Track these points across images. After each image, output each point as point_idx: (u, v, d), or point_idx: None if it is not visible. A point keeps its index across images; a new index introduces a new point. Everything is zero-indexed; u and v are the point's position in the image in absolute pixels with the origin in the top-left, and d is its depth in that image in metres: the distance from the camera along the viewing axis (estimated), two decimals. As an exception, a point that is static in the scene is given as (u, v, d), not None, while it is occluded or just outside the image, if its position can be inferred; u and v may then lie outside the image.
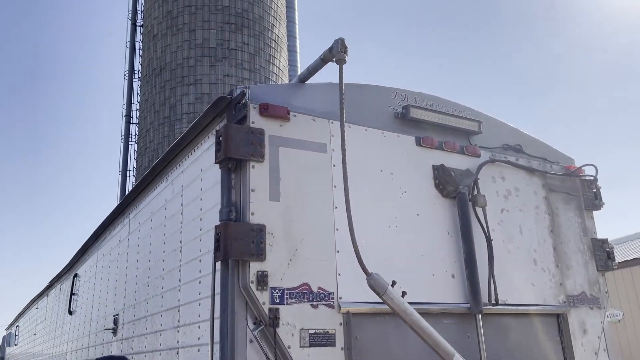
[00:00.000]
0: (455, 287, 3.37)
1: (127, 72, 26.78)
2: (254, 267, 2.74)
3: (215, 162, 2.95)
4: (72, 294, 7.17)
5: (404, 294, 2.81)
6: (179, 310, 3.48)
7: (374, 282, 2.75)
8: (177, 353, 3.44)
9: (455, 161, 3.68)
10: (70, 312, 7.12)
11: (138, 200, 4.68)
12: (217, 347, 2.75)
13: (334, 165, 3.16)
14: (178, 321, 3.48)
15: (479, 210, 3.57)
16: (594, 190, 4.28)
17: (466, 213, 3.50)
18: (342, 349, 2.87)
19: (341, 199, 2.98)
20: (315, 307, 2.86)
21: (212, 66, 21.40)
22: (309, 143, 3.12)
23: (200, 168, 3.41)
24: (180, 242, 3.59)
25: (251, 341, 2.69)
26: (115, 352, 4.81)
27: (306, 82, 3.31)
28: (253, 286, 2.71)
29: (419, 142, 3.57)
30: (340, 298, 2.94)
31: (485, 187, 3.72)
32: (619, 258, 15.42)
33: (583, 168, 4.31)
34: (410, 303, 2.87)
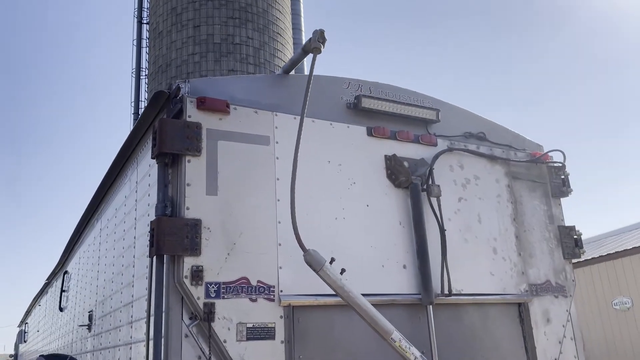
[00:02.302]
0: (406, 278, 3.34)
1: (134, 69, 26.98)
2: (189, 262, 2.73)
3: (152, 157, 2.94)
4: (62, 290, 7.26)
5: (342, 270, 2.79)
6: (132, 306, 3.50)
7: (310, 258, 2.75)
8: (131, 348, 3.46)
9: (410, 151, 3.63)
10: (61, 309, 7.22)
11: (106, 197, 4.71)
12: (152, 344, 2.75)
13: (277, 158, 3.14)
14: (132, 316, 3.49)
15: (433, 200, 3.52)
16: (562, 176, 4.19)
17: (418, 203, 3.45)
18: (282, 342, 2.85)
19: (284, 191, 2.96)
20: (254, 300, 2.85)
21: (217, 62, 21.41)
22: (250, 136, 3.10)
23: (149, 163, 3.40)
24: (134, 237, 3.60)
25: (186, 336, 2.69)
26: (89, 348, 4.86)
27: (249, 75, 3.28)
28: (187, 281, 2.70)
29: (370, 133, 3.53)
30: (281, 291, 2.92)
31: (442, 176, 3.66)
32: (630, 244, 15.19)
33: (551, 154, 4.23)
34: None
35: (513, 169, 4.03)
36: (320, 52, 3.08)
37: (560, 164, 4.19)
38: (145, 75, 25.62)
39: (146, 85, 24.98)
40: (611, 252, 15.44)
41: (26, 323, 14.92)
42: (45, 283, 9.68)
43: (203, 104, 2.97)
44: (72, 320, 6.24)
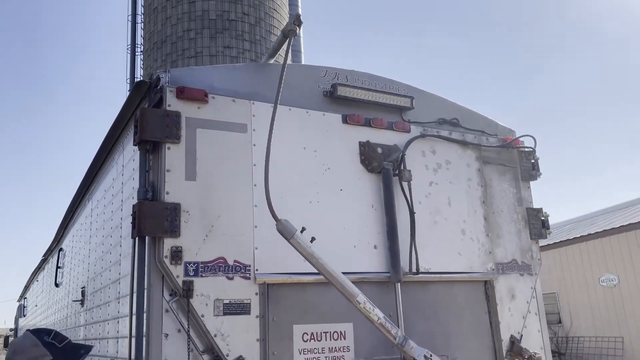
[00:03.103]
0: (376, 258, 3.54)
1: (129, 46, 26.87)
2: (168, 243, 2.93)
3: (134, 145, 3.12)
4: (57, 267, 7.49)
5: (312, 239, 3.02)
6: (119, 283, 3.71)
7: (282, 227, 2.97)
8: (118, 322, 3.69)
9: (384, 137, 3.81)
10: (56, 285, 7.46)
11: (96, 178, 4.89)
12: (135, 318, 2.97)
13: (254, 145, 3.31)
14: (119, 293, 3.71)
15: (405, 184, 3.71)
16: (532, 161, 4.38)
17: (389, 187, 3.64)
18: (257, 317, 3.07)
19: (261, 177, 3.14)
20: (231, 278, 3.06)
21: (213, 38, 21.32)
22: (228, 124, 3.27)
23: (133, 149, 3.58)
24: (121, 219, 3.79)
25: (167, 311, 2.91)
26: (82, 322, 5.10)
27: (227, 64, 3.44)
28: (167, 261, 2.90)
29: (345, 120, 3.70)
30: (257, 270, 3.13)
31: (414, 161, 3.84)
32: (619, 223, 15.47)
33: (522, 139, 4.40)
34: None
35: (484, 153, 4.21)
36: (295, 34, 3.27)
37: (531, 149, 4.38)
38: (141, 51, 25.57)
39: (141, 62, 24.93)
40: (599, 230, 15.73)
41: (25, 298, 15.25)
42: (42, 259, 9.93)
43: (182, 93, 3.13)
44: (66, 295, 6.49)
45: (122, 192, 3.83)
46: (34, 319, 11.49)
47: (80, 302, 5.22)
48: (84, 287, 5.16)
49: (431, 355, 3.15)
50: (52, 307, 8.03)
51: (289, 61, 3.67)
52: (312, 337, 3.23)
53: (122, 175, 3.86)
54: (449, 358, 3.53)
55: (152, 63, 23.30)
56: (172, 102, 3.11)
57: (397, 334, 3.10)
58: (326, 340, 3.26)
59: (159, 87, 3.15)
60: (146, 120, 3.01)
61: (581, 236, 16.26)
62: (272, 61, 3.91)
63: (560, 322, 16.80)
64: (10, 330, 22.53)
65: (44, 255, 9.58)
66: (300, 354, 3.17)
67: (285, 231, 2.97)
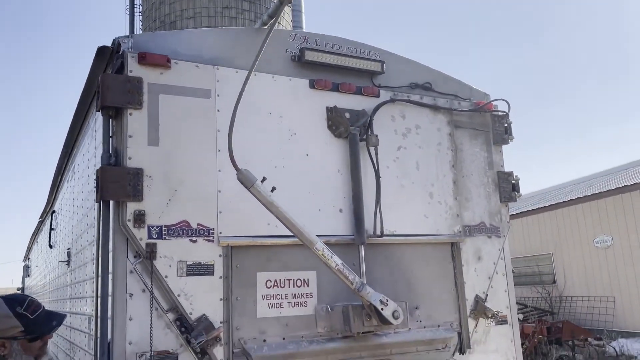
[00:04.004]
0: (342, 221, 3.63)
1: (128, 6, 26.50)
2: (131, 207, 3.02)
3: (96, 110, 3.17)
4: (51, 228, 7.65)
5: (273, 189, 3.12)
6: (94, 244, 3.82)
7: (242, 177, 3.07)
8: (93, 282, 3.81)
9: (352, 102, 3.83)
10: (50, 246, 7.64)
11: (77, 141, 4.96)
12: (100, 279, 3.09)
13: (218, 110, 3.35)
14: (93, 254, 3.82)
15: (372, 149, 3.75)
16: (505, 125, 4.40)
17: (355, 152, 3.69)
18: (220, 277, 3.19)
19: (225, 142, 3.19)
20: (194, 241, 3.16)
21: (211, -2, 21.06)
22: (191, 89, 3.30)
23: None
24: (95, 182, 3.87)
25: (131, 272, 3.02)
26: (68, 281, 5.27)
27: (190, 29, 3.45)
28: (130, 224, 3.00)
29: (312, 85, 3.72)
30: (221, 233, 3.22)
31: (383, 126, 3.88)
32: (615, 185, 15.49)
33: (495, 103, 4.41)
34: (293, 236, 3.22)
35: (456, 117, 4.23)
36: (290, 2, 3.26)
37: (504, 113, 4.39)
38: (140, 12, 25.23)
39: (140, 23, 24.63)
40: (595, 192, 15.77)
41: (29, 259, 15.60)
42: (39, 221, 10.13)
43: (144, 59, 3.15)
44: (58, 256, 6.66)
45: (95, 156, 3.90)
46: (36, 279, 11.80)
47: (66, 262, 5.38)
48: (69, 249, 5.30)
49: (387, 300, 3.28)
50: (48, 267, 8.25)
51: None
52: (276, 284, 3.36)
53: (95, 139, 3.92)
54: (408, 304, 3.63)
55: (150, 24, 23.04)
56: (133, 68, 3.14)
57: (354, 280, 3.23)
58: (289, 287, 3.41)
59: (120, 53, 3.17)
60: (107, 86, 3.05)
61: (577, 198, 16.31)
62: (266, 26, 3.88)
63: (554, 282, 17.05)
64: (18, 289, 23.11)
65: (40, 217, 9.77)
66: (263, 299, 3.31)
67: (245, 180, 3.06)
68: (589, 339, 12.42)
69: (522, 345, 11.96)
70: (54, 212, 7.66)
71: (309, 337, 3.38)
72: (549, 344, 12.05)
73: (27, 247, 15.21)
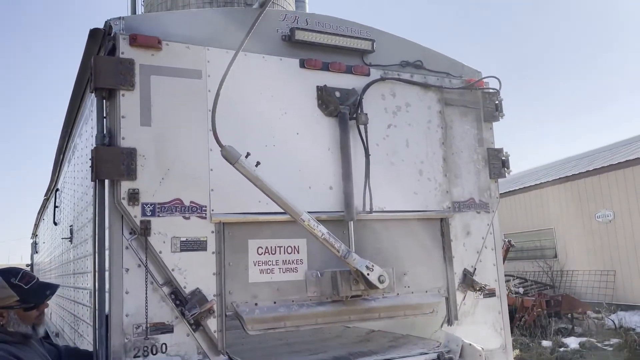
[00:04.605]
0: (332, 198, 3.73)
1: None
2: (125, 185, 3.12)
3: (90, 92, 3.26)
4: (55, 206, 7.81)
5: (257, 163, 3.22)
6: (93, 222, 3.95)
7: (226, 153, 3.16)
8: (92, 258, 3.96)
9: (343, 81, 3.89)
10: (55, 223, 7.81)
11: (76, 119, 5.06)
12: (98, 254, 3.22)
13: (209, 91, 3.43)
14: (92, 231, 3.95)
15: (361, 127, 3.83)
16: (496, 102, 4.45)
17: (345, 131, 3.77)
18: (213, 252, 3.31)
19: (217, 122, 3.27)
20: (187, 218, 3.27)
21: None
22: (183, 70, 3.37)
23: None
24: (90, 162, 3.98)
25: (127, 248, 3.14)
26: (71, 257, 5.43)
27: (182, 10, 3.50)
28: (125, 202, 3.11)
29: (302, 65, 3.78)
30: (213, 210, 3.33)
31: (373, 104, 3.94)
32: (617, 160, 15.49)
33: (486, 80, 4.46)
34: (285, 212, 3.34)
35: (446, 95, 4.29)
36: None
37: (495, 90, 4.44)
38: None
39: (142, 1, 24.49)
40: (597, 167, 15.78)
41: (36, 235, 15.87)
42: (45, 199, 10.30)
43: (135, 40, 3.22)
44: (62, 233, 6.82)
45: (92, 136, 3.99)
46: (43, 256, 12.05)
47: (69, 239, 5.53)
48: (71, 226, 5.45)
49: (373, 266, 3.41)
50: (53, 244, 8.44)
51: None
52: (267, 251, 3.50)
53: (92, 120, 4.01)
54: (395, 270, 3.74)
55: (151, 1, 22.92)
56: (125, 50, 3.22)
57: (340, 248, 3.35)
58: (280, 253, 3.54)
59: (112, 35, 3.24)
60: (99, 68, 3.13)
61: (579, 173, 16.35)
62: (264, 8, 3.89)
63: (556, 256, 17.20)
64: (27, 265, 23.55)
65: (45, 195, 9.94)
66: (255, 265, 3.44)
67: (229, 156, 3.16)
68: (588, 312, 12.61)
69: (522, 318, 12.22)
70: (57, 190, 7.81)
71: (299, 301, 3.52)
72: (548, 317, 12.26)
73: (35, 225, 15.47)
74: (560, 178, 16.94)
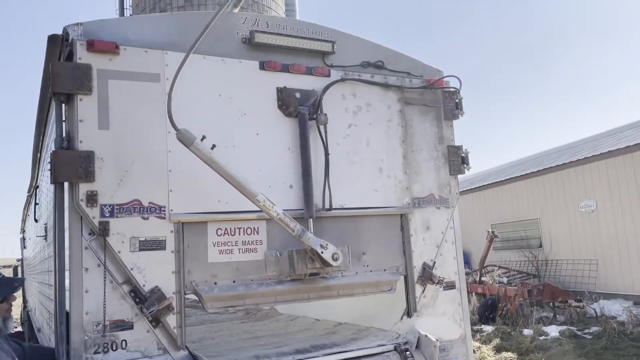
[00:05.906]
0: (292, 196, 3.83)
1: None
2: (84, 187, 3.21)
3: (48, 96, 3.34)
4: (35, 203, 7.89)
5: (213, 146, 3.33)
6: (53, 223, 4.04)
7: (181, 136, 3.27)
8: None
9: (303, 83, 3.98)
10: (36, 220, 7.89)
11: (47, 121, 5.13)
12: (58, 254, 3.32)
13: (168, 94, 3.51)
14: (53, 231, 4.05)
15: (321, 127, 3.93)
16: (456, 100, 4.56)
17: (305, 131, 3.86)
18: (172, 252, 3.41)
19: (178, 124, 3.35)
20: (146, 218, 3.37)
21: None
22: (140, 74, 3.45)
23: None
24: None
25: (86, 248, 3.24)
26: (46, 255, 5.52)
27: (140, 15, 3.58)
28: (83, 204, 3.20)
29: (262, 66, 3.86)
30: (172, 210, 3.43)
31: (333, 105, 4.04)
32: (599, 150, 15.65)
33: (447, 79, 4.56)
34: (245, 211, 3.54)
35: (407, 94, 4.39)
36: None
37: (455, 89, 4.54)
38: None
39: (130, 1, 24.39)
40: (580, 158, 15.95)
41: (24, 230, 15.93)
42: (28, 195, 10.36)
43: (92, 46, 3.30)
44: (38, 230, 6.91)
45: (52, 139, 4.08)
46: (29, 252, 12.13)
47: (44, 237, 5.62)
48: (46, 224, 5.53)
49: (327, 244, 3.54)
50: (34, 240, 8.52)
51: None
52: (226, 232, 3.61)
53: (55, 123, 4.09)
54: (351, 248, 3.86)
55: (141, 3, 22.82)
56: (82, 55, 3.29)
57: (295, 227, 3.48)
58: (240, 234, 3.65)
59: (69, 41, 3.31)
60: (56, 73, 3.21)
61: (563, 163, 16.51)
62: (236, 10, 3.98)
63: (541, 246, 17.41)
64: (18, 260, 23.61)
65: (28, 192, 10.00)
66: (214, 246, 3.55)
67: (184, 139, 3.26)
68: (569, 301, 12.82)
69: (504, 307, 12.42)
70: (37, 187, 7.88)
71: (258, 280, 3.64)
72: (530, 305, 12.46)
73: (22, 220, 15.52)
74: (545, 168, 17.10)
